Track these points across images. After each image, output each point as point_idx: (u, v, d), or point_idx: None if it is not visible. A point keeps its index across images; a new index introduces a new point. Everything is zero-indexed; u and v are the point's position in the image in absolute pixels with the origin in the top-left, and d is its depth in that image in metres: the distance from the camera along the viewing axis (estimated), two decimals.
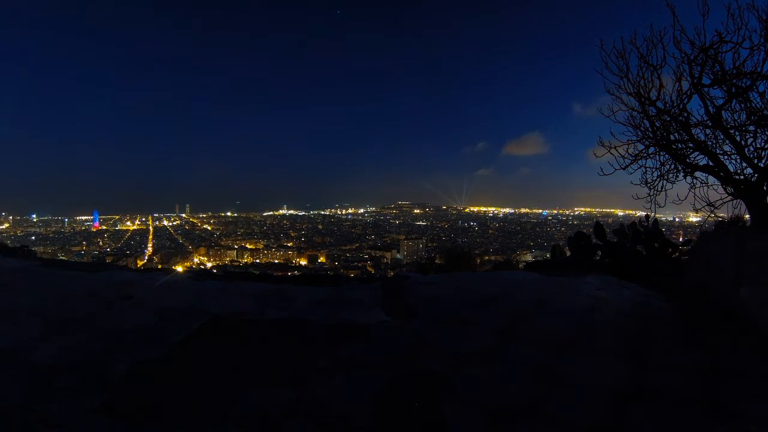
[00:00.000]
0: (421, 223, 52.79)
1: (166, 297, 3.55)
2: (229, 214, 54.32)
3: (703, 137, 4.01)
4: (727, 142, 3.84)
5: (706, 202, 4.12)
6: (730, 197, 3.95)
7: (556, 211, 52.94)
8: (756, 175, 3.70)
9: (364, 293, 3.79)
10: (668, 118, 4.06)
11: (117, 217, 52.16)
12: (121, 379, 2.14)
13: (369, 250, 40.25)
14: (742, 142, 3.76)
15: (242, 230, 48.85)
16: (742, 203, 3.85)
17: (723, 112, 3.79)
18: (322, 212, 57.48)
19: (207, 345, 2.64)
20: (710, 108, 3.81)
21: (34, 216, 48.23)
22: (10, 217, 45.95)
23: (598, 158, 4.49)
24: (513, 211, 55.72)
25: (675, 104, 3.96)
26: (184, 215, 55.97)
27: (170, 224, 53.59)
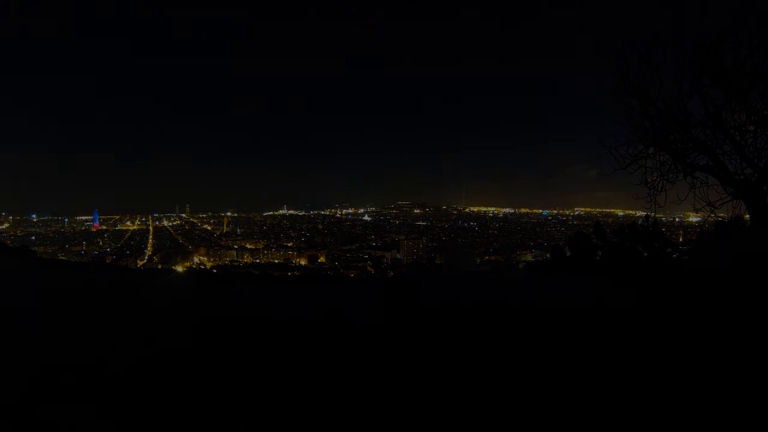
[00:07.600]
0: (421, 223, 52.68)
1: (166, 297, 3.55)
2: (228, 214, 54.24)
3: (703, 137, 4.01)
4: (727, 142, 3.85)
5: (706, 202, 4.12)
6: (730, 197, 3.95)
7: (556, 211, 52.84)
8: (756, 175, 3.70)
9: (364, 294, 3.79)
10: (668, 118, 4.07)
11: (117, 217, 52.03)
12: (121, 379, 2.14)
13: (369, 250, 40.16)
14: (742, 142, 3.76)
15: (242, 230, 48.82)
16: (742, 203, 3.85)
17: (723, 112, 3.80)
18: (322, 212, 57.37)
19: (207, 345, 2.64)
20: (710, 108, 3.82)
21: (34, 216, 48.08)
22: (10, 217, 45.87)
23: (598, 158, 4.51)
24: (513, 211, 55.60)
25: (675, 104, 3.97)
26: (184, 215, 55.90)
27: (170, 224, 53.50)
